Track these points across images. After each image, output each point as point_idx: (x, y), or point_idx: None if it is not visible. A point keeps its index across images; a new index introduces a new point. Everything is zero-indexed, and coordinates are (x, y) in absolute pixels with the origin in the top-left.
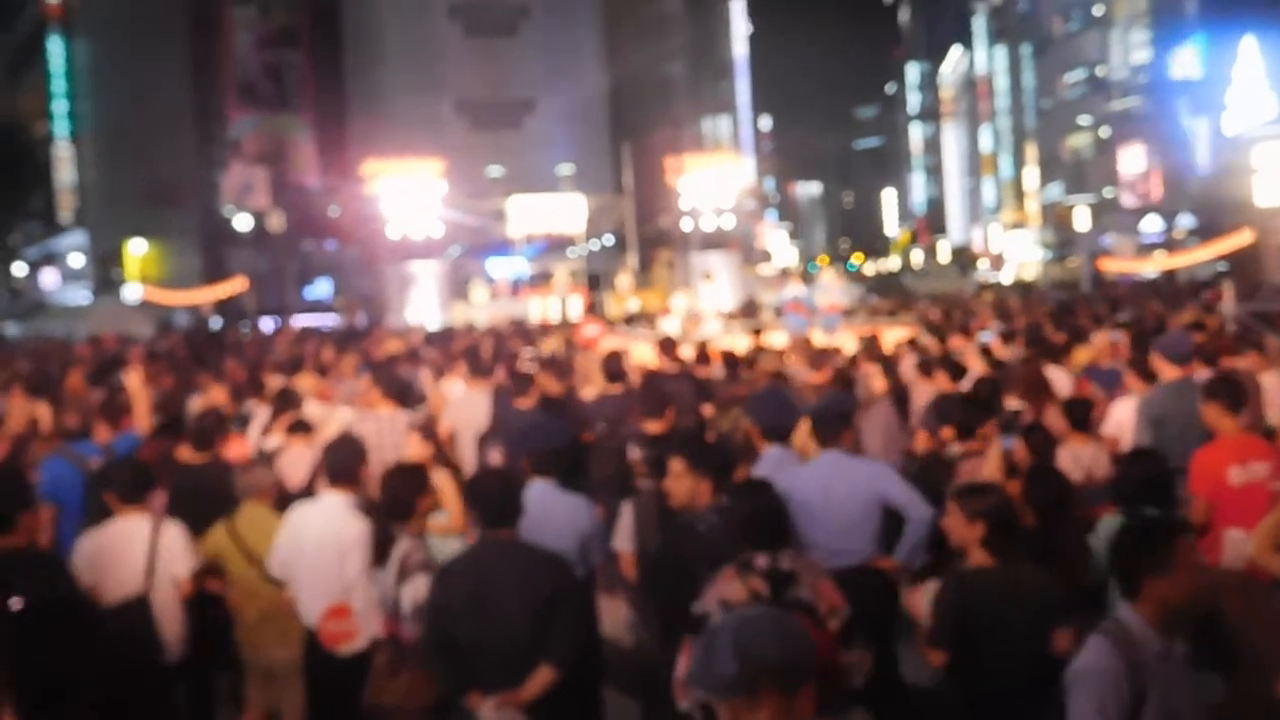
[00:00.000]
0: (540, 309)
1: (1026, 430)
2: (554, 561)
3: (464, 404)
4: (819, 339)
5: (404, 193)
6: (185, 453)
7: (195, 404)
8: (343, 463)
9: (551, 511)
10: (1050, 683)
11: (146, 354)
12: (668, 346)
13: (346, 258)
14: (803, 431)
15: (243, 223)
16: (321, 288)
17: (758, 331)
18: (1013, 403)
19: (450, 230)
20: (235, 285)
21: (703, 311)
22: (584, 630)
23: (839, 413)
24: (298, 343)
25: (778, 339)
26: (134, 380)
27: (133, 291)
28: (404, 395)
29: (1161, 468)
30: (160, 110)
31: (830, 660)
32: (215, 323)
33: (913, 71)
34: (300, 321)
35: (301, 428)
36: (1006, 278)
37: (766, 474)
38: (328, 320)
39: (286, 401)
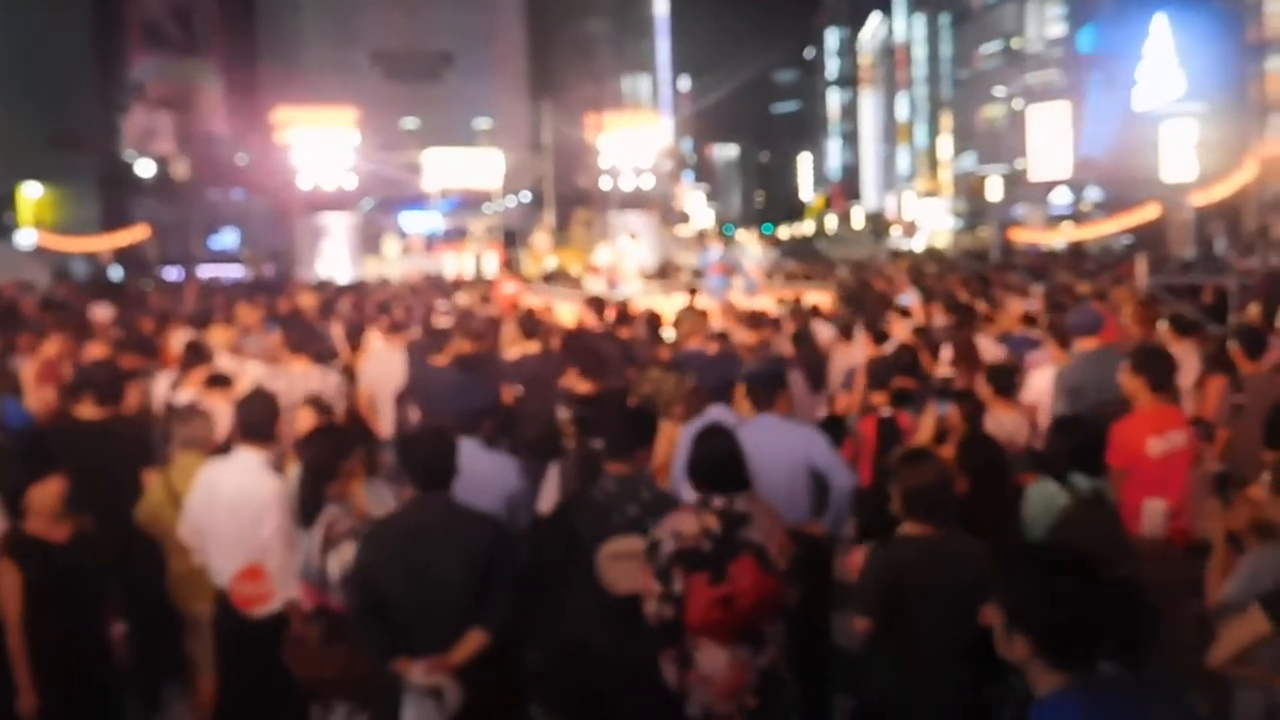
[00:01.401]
0: (455, 265)
1: (959, 396)
2: (488, 523)
3: (381, 361)
4: (739, 301)
5: (316, 142)
6: (86, 409)
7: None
8: (256, 419)
9: (478, 472)
10: (978, 653)
11: (42, 302)
12: (596, 305)
13: (255, 208)
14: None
15: (145, 169)
16: (228, 238)
17: (693, 291)
18: (943, 369)
19: (363, 182)
20: (137, 233)
21: (625, 271)
22: (516, 594)
23: (773, 375)
24: (205, 295)
25: (704, 301)
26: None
27: (26, 237)
28: (317, 350)
29: (1090, 436)
30: (58, 50)
31: (780, 598)
32: (115, 272)
33: (832, 37)
34: (206, 273)
35: (220, 381)
36: (918, 245)
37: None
38: (233, 271)
39: (196, 355)
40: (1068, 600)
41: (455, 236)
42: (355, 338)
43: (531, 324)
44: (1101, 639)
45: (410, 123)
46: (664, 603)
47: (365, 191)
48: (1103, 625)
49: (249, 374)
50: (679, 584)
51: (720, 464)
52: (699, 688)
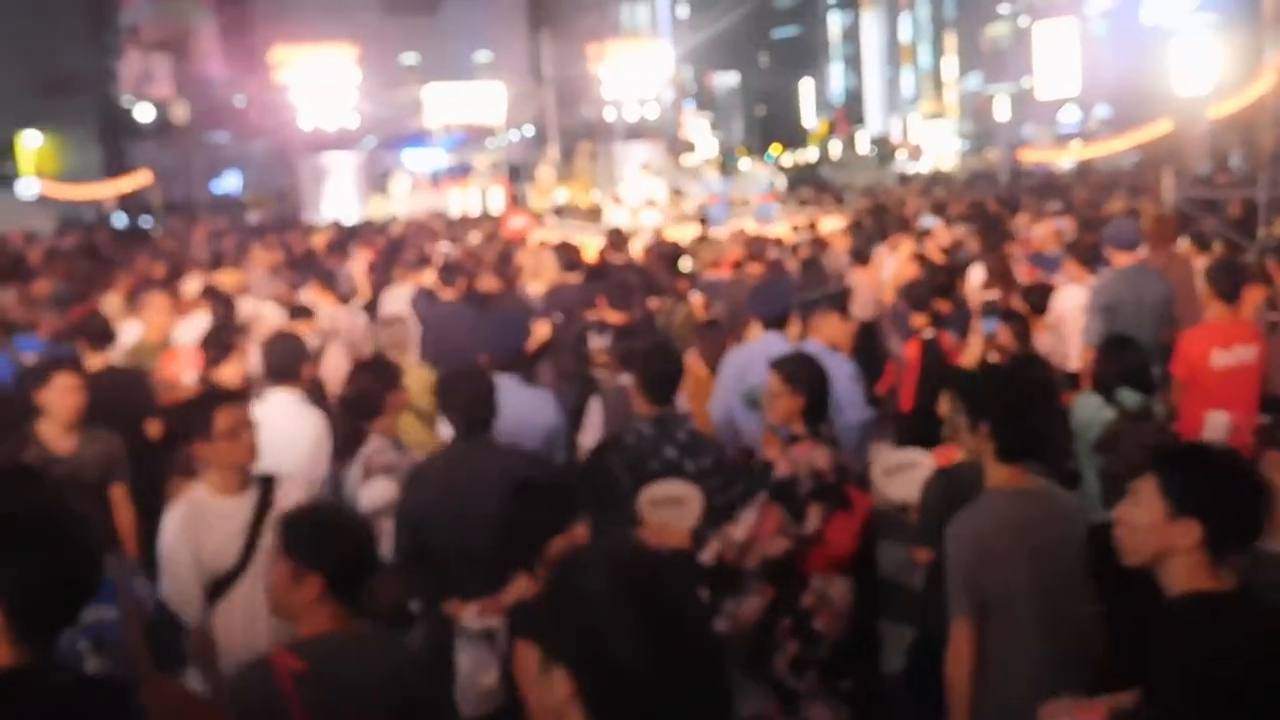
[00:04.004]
0: (460, 201)
1: (1007, 315)
2: (534, 464)
3: (399, 301)
4: (752, 228)
5: (315, 81)
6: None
7: (108, 304)
8: (285, 360)
9: (516, 409)
10: None
11: (48, 252)
12: (616, 238)
13: (256, 151)
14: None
15: (144, 113)
16: (230, 181)
17: (704, 221)
18: (973, 290)
19: (364, 120)
20: (139, 179)
21: (637, 204)
22: None
23: (817, 301)
24: (215, 239)
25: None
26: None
27: (28, 186)
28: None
29: (1140, 355)
30: None
31: None
32: (119, 219)
33: None
34: (211, 217)
35: (304, 313)
36: (924, 169)
37: (760, 359)
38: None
39: (219, 302)
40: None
41: (459, 173)
42: (382, 276)
43: (572, 255)
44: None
45: (409, 58)
46: (794, 542)
47: (367, 130)
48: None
49: (268, 317)
50: (814, 522)
51: (826, 393)
52: (835, 622)
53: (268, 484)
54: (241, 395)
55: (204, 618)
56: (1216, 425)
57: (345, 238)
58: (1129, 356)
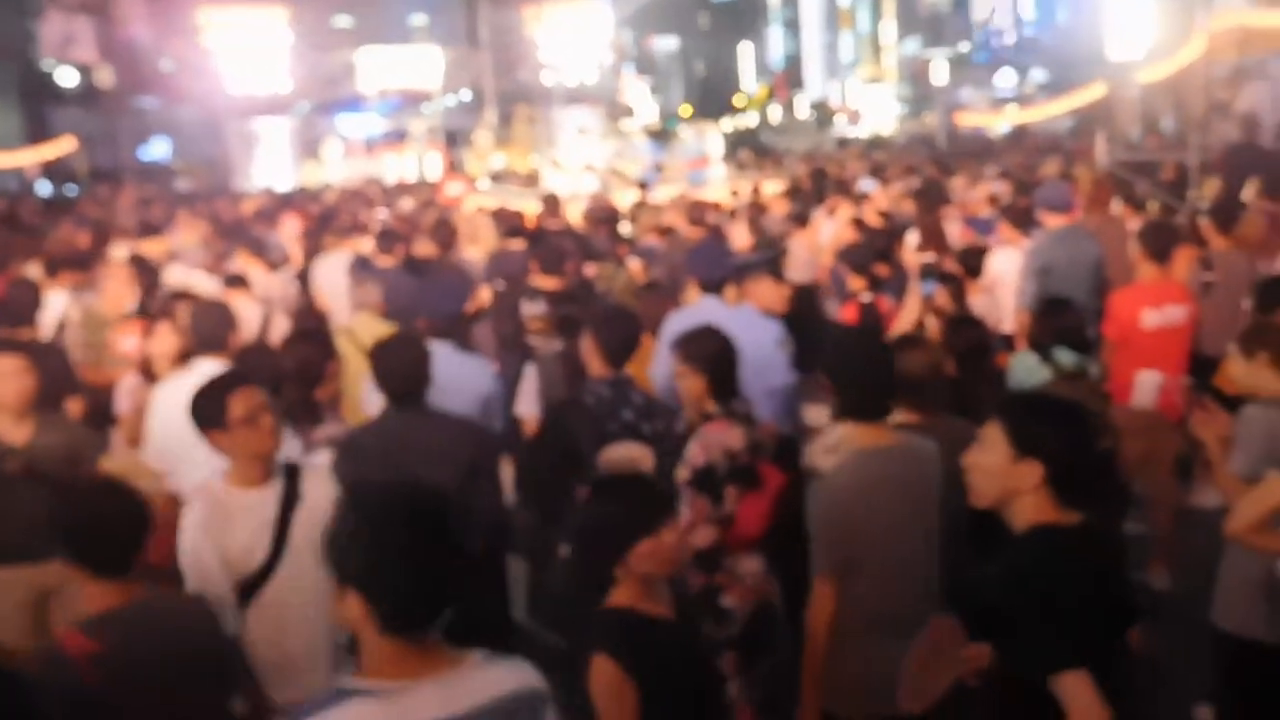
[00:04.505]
0: (396, 167)
1: (944, 277)
2: (470, 430)
3: (332, 268)
4: (688, 193)
5: (245, 44)
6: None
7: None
8: (212, 329)
9: (452, 375)
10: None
11: None
12: (552, 203)
13: (185, 116)
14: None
15: (67, 78)
16: (158, 148)
17: (643, 186)
18: (909, 253)
19: (297, 85)
20: (62, 146)
21: (572, 168)
22: (499, 500)
23: (751, 265)
24: (143, 206)
25: (658, 195)
26: None
27: None
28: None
29: (1076, 315)
30: None
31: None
32: (42, 187)
33: None
34: (137, 184)
35: (238, 281)
36: (863, 133)
37: (700, 322)
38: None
39: (145, 271)
40: None
41: (395, 138)
42: (314, 243)
43: (515, 221)
44: None
45: (343, 20)
46: (716, 526)
47: (299, 95)
48: None
49: (199, 286)
50: (730, 504)
51: (733, 368)
52: (746, 598)
53: (293, 472)
54: (251, 388)
55: (237, 626)
56: (1147, 384)
57: (278, 205)
58: (1065, 317)
